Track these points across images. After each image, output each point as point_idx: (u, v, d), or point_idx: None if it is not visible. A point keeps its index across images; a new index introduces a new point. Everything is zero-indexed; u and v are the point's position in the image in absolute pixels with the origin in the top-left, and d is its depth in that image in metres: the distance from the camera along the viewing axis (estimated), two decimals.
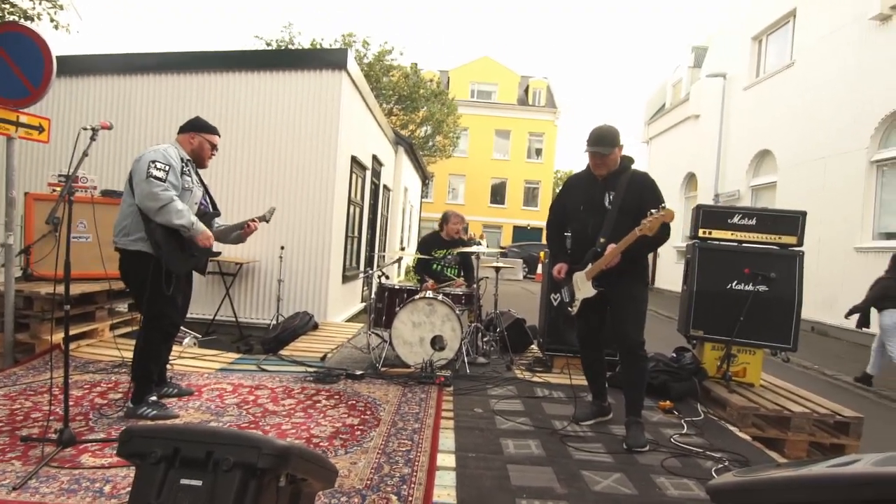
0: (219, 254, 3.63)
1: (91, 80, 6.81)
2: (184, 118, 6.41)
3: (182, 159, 3.27)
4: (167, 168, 3.08)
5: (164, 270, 3.06)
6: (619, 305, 3.27)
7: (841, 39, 10.42)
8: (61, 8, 11.59)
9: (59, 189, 3.98)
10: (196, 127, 3.43)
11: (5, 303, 4.05)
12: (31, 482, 2.29)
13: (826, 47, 10.84)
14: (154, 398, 3.24)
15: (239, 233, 3.50)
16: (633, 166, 3.40)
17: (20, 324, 4.20)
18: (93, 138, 2.85)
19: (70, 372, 2.77)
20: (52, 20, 11.52)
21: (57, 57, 4.13)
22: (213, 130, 3.50)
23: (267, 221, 3.60)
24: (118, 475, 2.39)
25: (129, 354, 4.33)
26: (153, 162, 3.03)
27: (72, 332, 3.13)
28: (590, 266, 3.27)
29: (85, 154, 2.85)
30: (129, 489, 1.43)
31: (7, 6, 10.81)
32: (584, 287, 3.32)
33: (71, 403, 2.80)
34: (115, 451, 2.28)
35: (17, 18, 10.62)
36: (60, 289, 2.80)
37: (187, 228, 3.11)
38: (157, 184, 3.01)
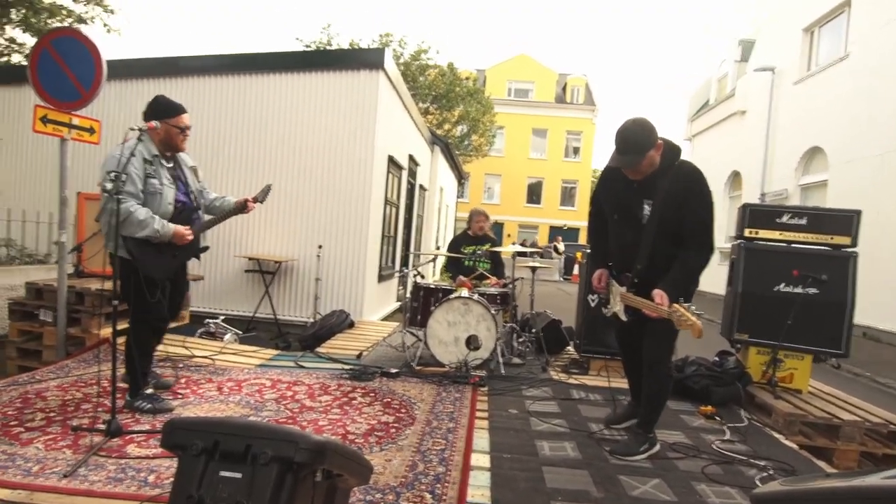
0: (207, 248, 3.51)
1: (138, 83, 7.06)
2: (224, 119, 6.53)
3: (146, 159, 3.09)
4: (122, 177, 2.83)
5: (144, 277, 3.01)
6: (652, 320, 2.78)
7: None
8: (113, 12, 12.09)
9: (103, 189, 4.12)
10: (157, 112, 3.15)
11: (58, 298, 4.25)
12: (81, 470, 2.39)
13: (883, 38, 10.31)
14: (150, 391, 3.28)
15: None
16: (685, 162, 2.90)
17: (72, 318, 4.39)
18: (140, 139, 2.94)
19: (118, 365, 2.88)
20: (104, 24, 12.03)
21: (107, 61, 4.30)
22: (177, 111, 3.21)
23: (261, 202, 3.51)
24: (162, 465, 2.47)
25: (174, 349, 4.51)
26: (108, 173, 2.80)
27: (119, 327, 3.23)
28: (625, 290, 2.95)
29: (132, 154, 2.95)
30: (172, 479, 1.47)
31: (64, 12, 11.34)
32: (616, 305, 3.04)
33: (118, 395, 2.90)
34: (158, 443, 2.36)
35: (72, 23, 11.11)
36: (109, 285, 2.91)
37: (154, 237, 3.06)
38: (114, 198, 2.79)
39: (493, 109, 25.30)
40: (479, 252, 5.59)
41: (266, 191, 3.53)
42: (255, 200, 3.49)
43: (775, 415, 3.58)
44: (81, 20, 11.54)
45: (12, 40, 11.81)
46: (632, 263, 2.92)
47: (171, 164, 3.32)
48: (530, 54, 37.42)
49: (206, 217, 3.51)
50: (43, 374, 3.82)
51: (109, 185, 2.74)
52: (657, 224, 2.81)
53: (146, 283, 3.04)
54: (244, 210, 3.46)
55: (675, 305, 2.54)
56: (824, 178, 11.88)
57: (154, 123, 3.05)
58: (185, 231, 3.20)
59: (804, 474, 2.75)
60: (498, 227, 33.50)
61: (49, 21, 11.03)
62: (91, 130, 4.50)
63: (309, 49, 20.67)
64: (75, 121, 4.35)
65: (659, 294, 2.67)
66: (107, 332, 4.22)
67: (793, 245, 4.11)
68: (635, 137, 2.76)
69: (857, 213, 4.05)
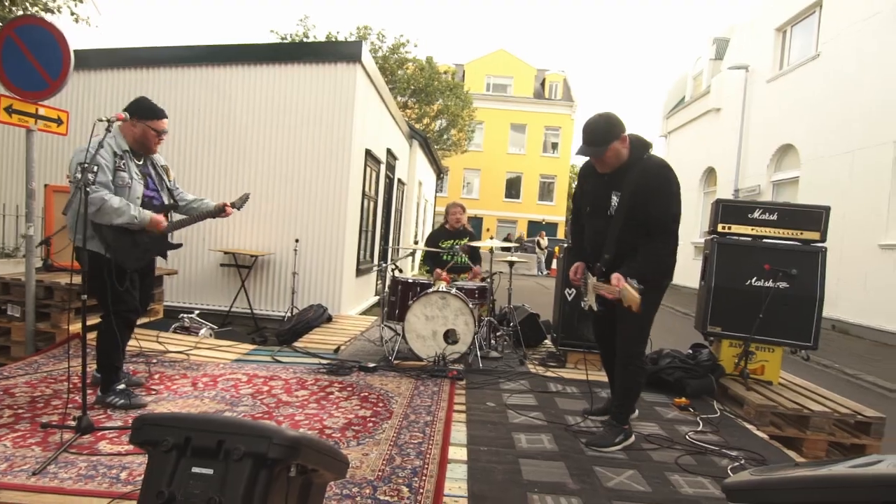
0: (180, 245, 3.54)
1: (108, 74, 6.90)
2: (198, 111, 6.43)
3: (117, 153, 3.10)
4: (95, 169, 2.84)
5: (115, 267, 3.00)
6: (623, 311, 2.82)
7: (869, 30, 10.14)
8: (81, 1, 11.73)
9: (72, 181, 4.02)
10: (138, 112, 3.16)
11: (26, 293, 4.13)
12: (51, 468, 2.33)
13: (853, 38, 10.56)
14: (122, 387, 3.22)
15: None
16: (653, 157, 2.99)
17: (41, 313, 4.28)
18: (108, 130, 2.88)
19: (88, 361, 2.81)
20: (72, 13, 11.67)
21: (75, 51, 4.18)
22: (158, 115, 3.22)
23: (238, 209, 3.55)
24: (134, 462, 2.42)
25: (147, 344, 4.43)
26: (80, 164, 2.79)
27: (90, 322, 3.16)
28: (596, 280, 3.01)
29: (100, 145, 2.88)
30: None
31: (29, 1, 10.97)
32: (590, 296, 3.10)
33: (89, 392, 2.84)
34: (128, 441, 2.31)
35: (37, 11, 10.77)
36: (79, 279, 2.84)
37: (131, 223, 3.06)
38: (88, 189, 2.79)
39: (472, 104, 25.30)
40: (456, 247, 5.59)
41: (244, 199, 3.57)
42: (233, 206, 3.49)
43: (747, 406, 3.66)
44: (48, 9, 11.18)
45: None
46: (601, 253, 3.02)
47: (140, 161, 3.30)
48: (509, 49, 37.52)
49: (178, 217, 3.49)
50: (11, 370, 3.72)
51: (91, 177, 2.75)
52: (624, 215, 2.91)
53: (117, 273, 3.00)
54: (222, 214, 3.46)
55: (622, 284, 2.70)
56: (796, 175, 12.16)
57: (124, 114, 2.99)
58: (160, 218, 3.20)
59: (774, 464, 2.82)
60: (477, 221, 33.59)
61: (13, 10, 10.66)
62: (59, 121, 4.37)
63: (285, 41, 20.38)
64: (42, 111, 4.22)
65: (616, 277, 2.78)
66: (77, 327, 4.12)
67: (764, 240, 4.20)
68: (599, 129, 2.87)
69: (827, 209, 4.15)
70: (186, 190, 3.71)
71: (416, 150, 12.80)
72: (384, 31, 24.23)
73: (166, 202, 3.40)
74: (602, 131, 2.87)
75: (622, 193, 2.91)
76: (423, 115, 22.98)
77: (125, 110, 3.18)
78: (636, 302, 2.64)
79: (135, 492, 2.13)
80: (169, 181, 3.50)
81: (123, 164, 3.13)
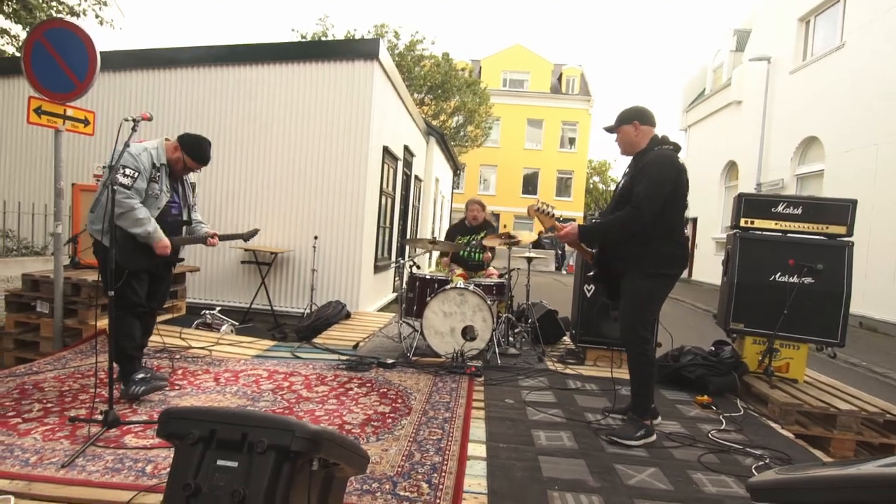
0: (182, 260, 3.64)
1: (132, 75, 7.02)
2: (219, 110, 6.53)
3: (156, 164, 3.27)
4: (135, 175, 3.12)
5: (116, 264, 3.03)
6: (622, 298, 3.12)
7: (895, 19, 9.88)
8: (105, 4, 11.96)
9: (101, 180, 4.10)
10: (189, 149, 3.37)
11: (55, 289, 4.23)
12: (79, 461, 2.39)
13: (879, 28, 10.29)
14: (141, 375, 3.27)
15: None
16: (664, 149, 3.05)
17: (69, 309, 4.38)
18: (134, 129, 2.93)
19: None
20: (97, 16, 11.90)
21: (100, 52, 4.26)
22: (203, 161, 3.46)
23: (245, 240, 3.79)
24: (160, 455, 2.47)
25: (171, 340, 4.51)
26: (124, 167, 3.07)
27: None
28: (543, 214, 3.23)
29: (126, 145, 2.94)
30: (169, 469, 1.47)
31: (55, 3, 11.22)
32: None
33: (115, 386, 2.90)
34: (155, 434, 2.36)
35: (64, 15, 11.00)
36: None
37: (144, 237, 3.18)
38: (121, 191, 3.03)
39: (489, 100, 25.21)
40: (473, 242, 5.60)
41: (252, 233, 3.80)
42: (223, 238, 3.60)
43: (771, 404, 3.60)
44: (73, 13, 11.42)
45: (5, 32, 11.68)
46: None
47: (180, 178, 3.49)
48: (525, 45, 37.24)
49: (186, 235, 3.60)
50: (40, 365, 3.82)
51: (124, 180, 3.03)
52: (618, 195, 3.17)
53: (117, 271, 3.03)
54: (206, 243, 3.55)
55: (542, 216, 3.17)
56: (821, 168, 11.91)
57: (148, 114, 3.04)
58: (166, 246, 3.29)
59: (800, 463, 2.77)
60: (494, 217, 33.50)
61: (40, 14, 10.91)
62: (85, 122, 4.46)
63: (305, 40, 20.52)
64: (69, 112, 4.31)
65: (570, 224, 3.17)
66: (103, 323, 4.20)
67: (788, 234, 4.12)
68: (621, 113, 3.19)
69: (853, 202, 4.06)
70: (213, 189, 3.82)
71: (433, 146, 12.80)
72: (401, 28, 24.28)
73: (184, 218, 3.53)
74: (620, 115, 3.16)
75: (625, 177, 3.17)
76: (440, 112, 22.97)
77: (180, 138, 3.39)
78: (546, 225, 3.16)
79: (160, 485, 2.17)
80: (193, 197, 3.65)
81: (158, 177, 3.28)
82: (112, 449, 2.53)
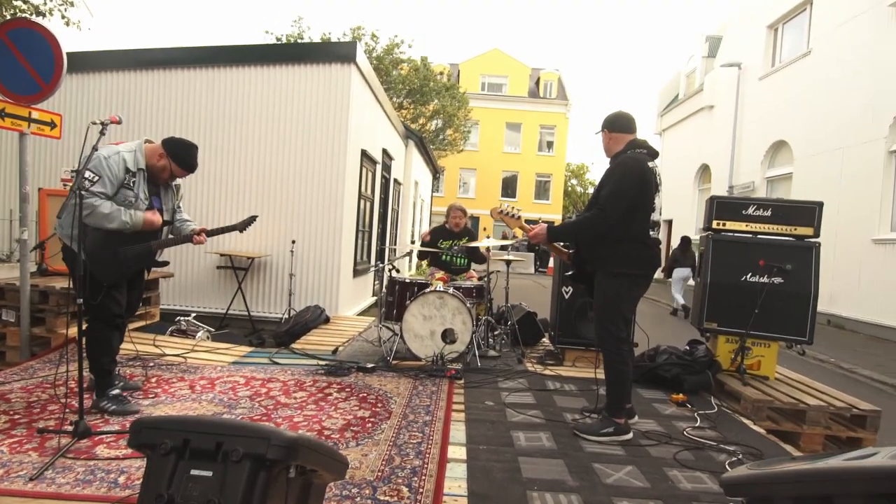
0: (166, 263, 3.53)
1: (101, 76, 6.88)
2: (192, 113, 6.42)
3: (130, 169, 3.06)
4: (95, 178, 2.92)
5: (91, 278, 2.93)
6: (594, 298, 3.22)
7: (859, 27, 10.22)
8: (72, 4, 11.71)
9: (70, 184, 4.01)
10: (174, 155, 3.19)
11: (21, 297, 4.11)
12: (48, 473, 2.32)
13: (844, 35, 10.63)
14: (115, 392, 3.19)
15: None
16: (635, 153, 3.12)
17: (36, 318, 4.26)
18: (102, 133, 2.86)
19: (84, 365, 2.80)
20: (63, 17, 11.63)
21: (67, 53, 4.16)
22: (189, 168, 3.26)
23: (241, 231, 3.52)
24: (132, 466, 2.41)
25: (144, 348, 4.42)
26: (87, 170, 2.86)
27: (85, 326, 3.13)
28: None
29: (94, 148, 2.87)
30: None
31: (19, 2, 10.93)
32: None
33: (86, 396, 2.83)
34: (127, 444, 2.31)
35: (29, 15, 10.72)
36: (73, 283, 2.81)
37: (123, 228, 3.01)
38: (82, 194, 2.77)
39: (467, 104, 25.30)
40: (454, 247, 5.59)
41: (249, 220, 3.53)
42: (210, 234, 3.43)
43: (744, 401, 3.68)
44: (39, 12, 11.15)
45: None
46: None
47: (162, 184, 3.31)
48: (503, 49, 37.52)
49: (170, 235, 3.45)
50: (6, 375, 3.70)
51: (87, 184, 2.81)
52: (590, 200, 3.26)
53: (92, 284, 2.95)
54: (192, 241, 3.38)
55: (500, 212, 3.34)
56: (789, 171, 12.23)
57: (117, 117, 2.96)
58: (155, 216, 3.15)
59: (771, 458, 2.84)
60: (474, 221, 33.59)
61: (4, 14, 10.62)
62: (52, 124, 4.35)
63: (280, 42, 20.34)
64: (35, 114, 4.20)
65: (540, 225, 3.27)
66: (73, 331, 4.10)
67: (759, 236, 4.22)
68: (606, 117, 3.29)
69: (820, 204, 4.17)
70: (187, 193, 3.67)
71: (412, 149, 12.80)
72: (378, 31, 24.26)
73: (165, 219, 3.35)
74: (605, 119, 3.28)
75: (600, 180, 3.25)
76: (419, 116, 22.98)
77: (164, 141, 3.20)
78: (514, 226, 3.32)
79: (133, 496, 2.12)
80: (177, 199, 3.48)
81: (133, 183, 3.07)
82: (83, 460, 2.46)
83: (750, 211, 4.24)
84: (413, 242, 13.62)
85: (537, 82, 36.94)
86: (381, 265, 5.74)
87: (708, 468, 2.71)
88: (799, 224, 4.15)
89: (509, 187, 36.47)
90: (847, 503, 1.25)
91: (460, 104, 24.18)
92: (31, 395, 3.34)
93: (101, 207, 2.94)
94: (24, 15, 10.66)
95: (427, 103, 22.81)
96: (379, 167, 8.99)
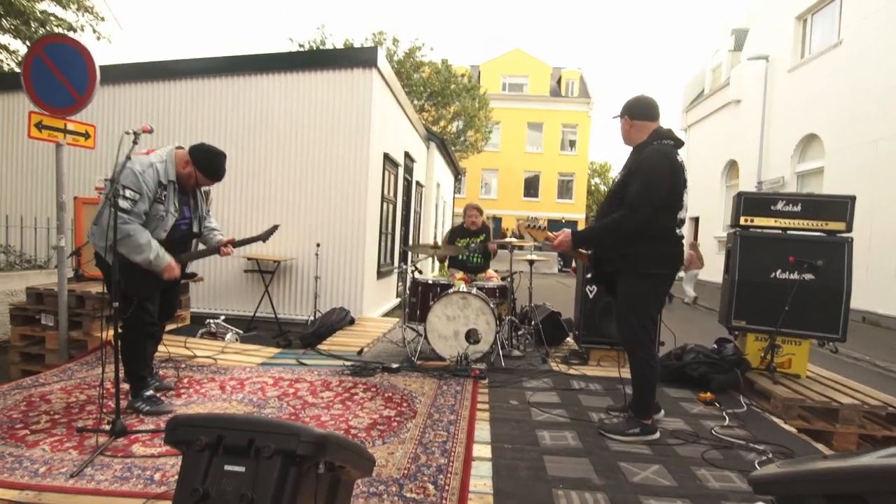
0: (194, 275, 3.60)
1: (132, 87, 7.08)
2: (219, 121, 6.54)
3: (162, 182, 3.07)
4: (136, 198, 2.93)
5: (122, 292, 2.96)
6: (618, 300, 3.10)
7: (892, 15, 9.91)
8: (103, 19, 12.08)
9: (104, 191, 4.14)
10: (200, 164, 3.20)
11: (59, 302, 4.26)
12: (87, 470, 2.41)
13: (875, 24, 10.33)
14: (149, 393, 3.27)
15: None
16: (663, 144, 2.98)
17: (73, 322, 4.41)
18: (135, 142, 2.95)
19: (120, 367, 2.90)
20: (94, 31, 12.01)
21: (99, 66, 4.30)
22: (215, 177, 3.28)
23: (264, 241, 3.62)
24: (167, 464, 2.49)
25: (175, 350, 4.53)
26: (125, 188, 2.87)
27: (121, 329, 3.24)
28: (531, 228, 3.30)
29: (128, 157, 2.96)
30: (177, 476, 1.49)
31: (53, 19, 11.32)
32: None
33: (122, 396, 2.92)
34: (163, 441, 2.38)
35: (62, 30, 11.10)
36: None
37: (146, 265, 3.03)
38: (121, 216, 2.83)
39: (488, 105, 25.27)
40: (472, 245, 5.65)
41: (271, 230, 3.64)
42: (236, 245, 3.50)
43: (774, 400, 3.61)
44: (72, 28, 11.53)
45: (4, 48, 11.80)
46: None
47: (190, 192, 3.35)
48: (524, 48, 37.38)
49: (200, 246, 3.52)
50: (46, 377, 3.84)
51: (123, 203, 2.84)
52: (612, 191, 3.12)
53: (126, 299, 3.02)
54: (219, 252, 3.44)
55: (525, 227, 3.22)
56: (820, 165, 11.92)
57: (149, 126, 3.05)
58: (174, 270, 3.17)
59: (802, 456, 2.78)
60: (496, 221, 33.49)
61: (40, 30, 11.02)
62: (86, 135, 4.51)
63: (303, 49, 20.63)
64: (70, 126, 4.35)
65: (563, 232, 3.12)
66: (109, 334, 4.23)
67: (788, 232, 4.14)
68: (626, 102, 3.13)
69: (852, 198, 4.07)
70: (215, 199, 3.74)
71: (434, 151, 12.85)
72: (399, 35, 24.38)
73: (195, 230, 3.40)
74: (625, 104, 3.12)
75: (621, 172, 3.12)
76: (440, 118, 23.04)
77: (191, 149, 3.22)
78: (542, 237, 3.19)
79: (168, 492, 2.19)
80: (206, 207, 3.51)
81: (164, 196, 3.09)
82: (120, 458, 2.55)
83: (779, 206, 4.16)
84: (435, 244, 13.66)
85: (559, 81, 36.68)
86: (404, 267, 5.79)
87: (737, 467, 2.67)
88: (830, 219, 4.06)
89: (532, 187, 36.26)
90: (881, 501, 1.22)
91: (481, 105, 24.16)
92: (70, 395, 3.46)
93: (136, 237, 2.96)
94: (58, 31, 11.05)
95: (448, 105, 22.85)
96: (401, 170, 9.05)
